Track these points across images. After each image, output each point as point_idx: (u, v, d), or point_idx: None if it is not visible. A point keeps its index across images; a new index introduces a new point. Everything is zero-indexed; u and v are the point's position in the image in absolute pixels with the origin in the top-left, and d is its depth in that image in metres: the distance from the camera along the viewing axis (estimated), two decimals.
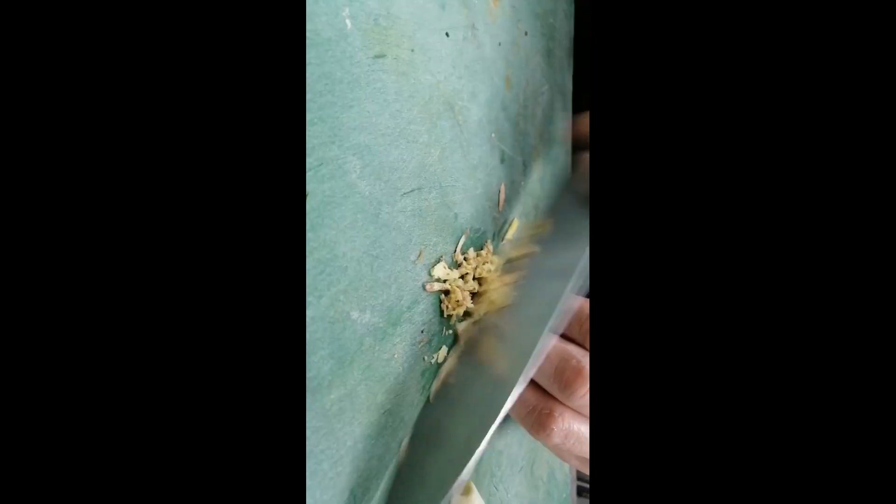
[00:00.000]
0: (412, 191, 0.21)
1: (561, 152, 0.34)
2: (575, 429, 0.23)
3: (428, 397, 0.23)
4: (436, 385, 0.23)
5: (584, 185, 0.26)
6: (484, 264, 0.25)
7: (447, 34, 0.22)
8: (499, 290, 0.25)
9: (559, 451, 0.25)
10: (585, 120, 0.28)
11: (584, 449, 0.23)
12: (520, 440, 0.33)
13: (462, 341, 0.24)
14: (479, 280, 0.25)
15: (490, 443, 0.20)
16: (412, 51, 0.20)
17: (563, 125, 0.34)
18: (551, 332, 0.22)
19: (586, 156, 0.26)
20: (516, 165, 0.29)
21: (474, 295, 0.25)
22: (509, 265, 0.26)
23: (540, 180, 0.32)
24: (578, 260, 0.23)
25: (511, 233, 0.26)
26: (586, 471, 0.26)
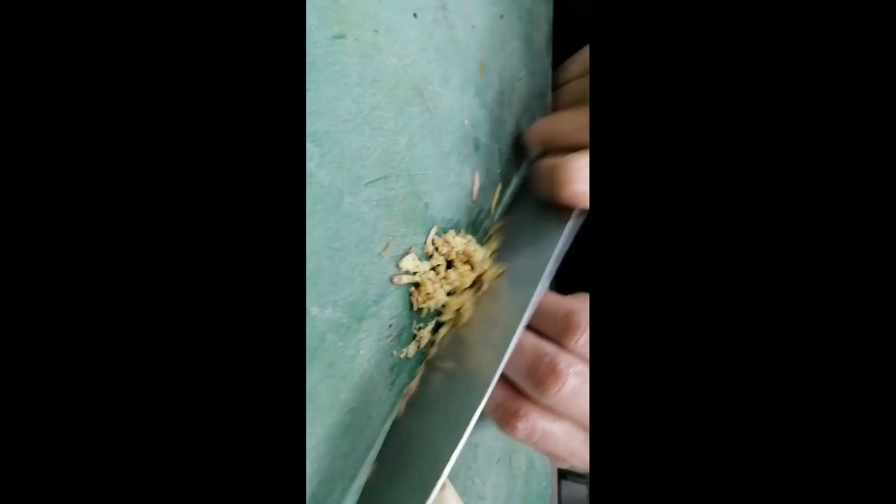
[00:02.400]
0: (377, 180, 0.20)
1: None
2: (540, 426, 0.22)
3: (396, 414, 0.22)
4: (402, 402, 0.23)
5: (544, 191, 0.25)
6: (453, 248, 0.24)
7: (415, 15, 0.21)
8: (465, 303, 0.24)
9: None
10: (546, 124, 0.27)
11: (550, 446, 0.23)
12: (496, 433, 0.33)
13: (430, 352, 0.24)
14: (451, 263, 0.24)
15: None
16: (376, 31, 0.19)
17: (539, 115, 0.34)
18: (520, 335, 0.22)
19: (547, 162, 0.25)
20: (492, 153, 0.28)
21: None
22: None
23: (517, 169, 0.31)
24: (545, 267, 0.23)
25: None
26: (559, 464, 0.26)
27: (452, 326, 0.24)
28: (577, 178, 0.23)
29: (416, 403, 0.22)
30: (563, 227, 0.24)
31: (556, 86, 0.29)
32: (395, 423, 0.22)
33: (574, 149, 0.24)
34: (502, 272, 0.25)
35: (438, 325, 0.25)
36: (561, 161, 0.24)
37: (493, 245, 0.27)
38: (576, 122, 0.26)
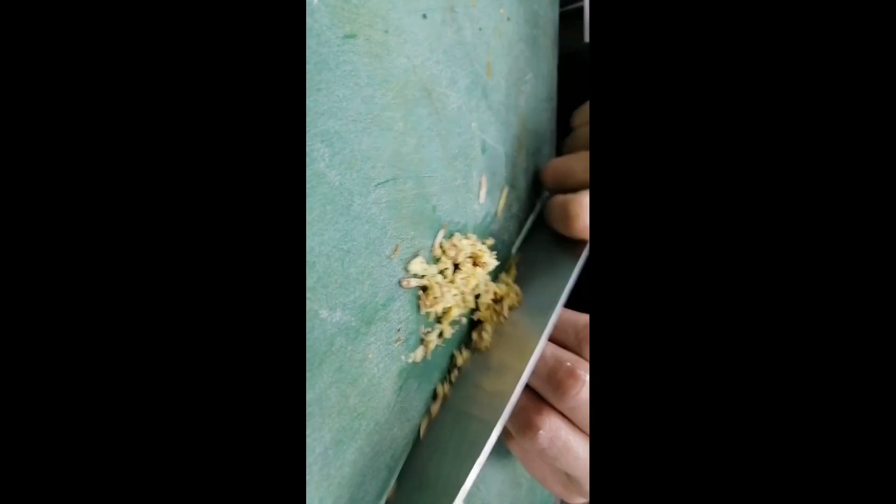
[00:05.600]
0: (387, 181, 0.20)
1: (546, 146, 0.33)
2: (562, 436, 0.22)
3: (418, 435, 0.23)
4: (424, 422, 0.23)
5: (557, 225, 0.27)
6: (461, 251, 0.24)
7: (424, 16, 0.21)
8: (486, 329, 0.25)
9: (540, 470, 0.25)
10: (559, 163, 0.29)
11: (569, 461, 0.22)
12: (500, 439, 0.33)
13: (453, 375, 0.25)
14: (458, 266, 0.24)
15: None
16: (386, 32, 0.19)
17: (547, 119, 0.33)
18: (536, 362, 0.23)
19: (560, 198, 0.27)
20: (498, 156, 0.28)
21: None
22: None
23: (523, 173, 0.31)
24: (559, 298, 0.24)
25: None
26: (567, 498, 0.26)
27: (474, 352, 0.25)
28: (587, 213, 0.25)
29: (436, 425, 0.23)
30: (576, 260, 0.26)
31: (569, 130, 0.32)
32: (416, 444, 0.23)
33: (584, 187, 0.27)
34: (520, 302, 0.26)
35: (461, 346, 0.25)
36: (572, 197, 0.26)
37: (512, 275, 0.28)
38: (586, 162, 0.28)
